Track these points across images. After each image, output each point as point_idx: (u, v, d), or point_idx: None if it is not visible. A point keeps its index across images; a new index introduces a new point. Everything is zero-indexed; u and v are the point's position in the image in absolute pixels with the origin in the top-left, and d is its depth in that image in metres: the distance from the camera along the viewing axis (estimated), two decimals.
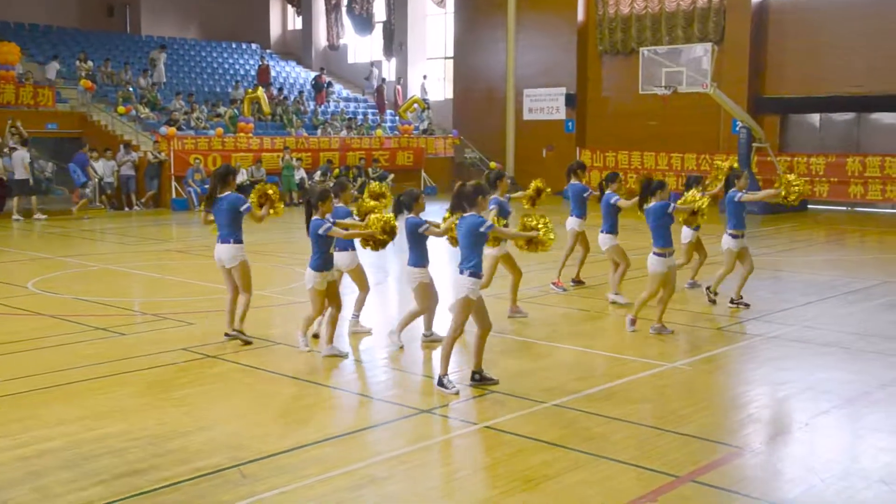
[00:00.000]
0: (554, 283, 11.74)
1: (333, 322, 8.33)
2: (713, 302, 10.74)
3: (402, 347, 8.61)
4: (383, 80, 34.54)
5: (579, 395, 7.12)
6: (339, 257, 8.75)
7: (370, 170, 27.51)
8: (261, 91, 29.19)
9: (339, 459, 5.74)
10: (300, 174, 26.19)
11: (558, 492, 5.19)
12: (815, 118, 25.60)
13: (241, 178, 24.92)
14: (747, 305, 10.56)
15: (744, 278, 10.56)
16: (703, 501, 5.11)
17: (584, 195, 11.38)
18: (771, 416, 6.85)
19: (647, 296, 9.15)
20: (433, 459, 5.79)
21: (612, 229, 10.65)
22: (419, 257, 8.25)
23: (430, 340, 8.83)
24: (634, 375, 7.75)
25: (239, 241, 8.59)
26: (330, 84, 33.90)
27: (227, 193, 8.58)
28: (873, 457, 5.85)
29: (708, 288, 10.86)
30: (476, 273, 7.08)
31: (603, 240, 10.71)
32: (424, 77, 34.30)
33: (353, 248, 9.06)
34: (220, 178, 8.65)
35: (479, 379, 7.36)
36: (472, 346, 7.40)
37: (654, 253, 9.02)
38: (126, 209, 23.36)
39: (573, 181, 11.46)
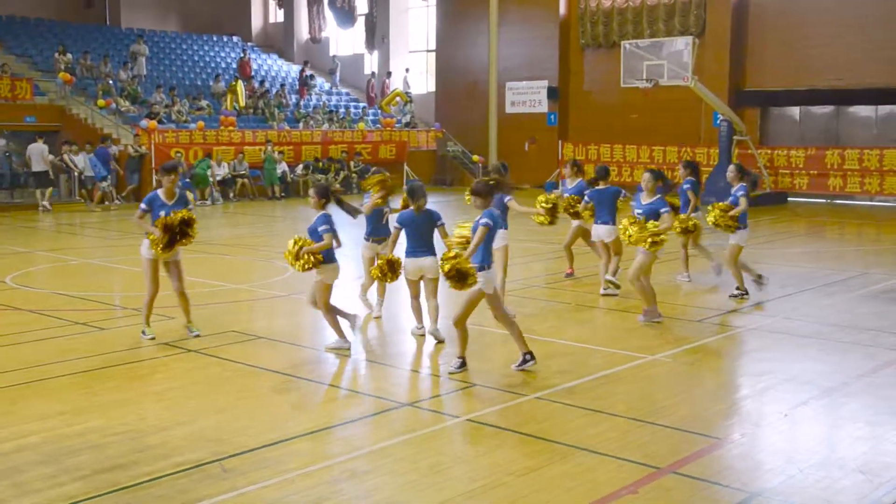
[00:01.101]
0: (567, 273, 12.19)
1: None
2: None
3: (443, 340, 8.60)
4: (372, 73, 34.43)
5: (560, 387, 7.14)
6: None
7: (352, 163, 27.45)
8: (238, 84, 29.01)
9: (320, 453, 5.75)
10: (282, 168, 26.10)
11: (540, 484, 5.21)
12: (796, 111, 25.75)
13: (223, 171, 24.85)
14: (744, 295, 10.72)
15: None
16: (684, 492, 5.14)
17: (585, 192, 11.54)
18: (751, 408, 6.89)
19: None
20: (415, 453, 5.78)
21: (614, 220, 10.80)
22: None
23: (419, 334, 8.84)
24: (615, 368, 7.78)
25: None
26: (312, 77, 33.76)
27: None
28: (851, 446, 5.91)
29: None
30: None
31: (608, 230, 10.81)
32: (407, 70, 34.21)
33: (367, 239, 9.60)
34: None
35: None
36: (458, 338, 7.52)
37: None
38: (106, 203, 23.18)
39: (580, 179, 11.58)
